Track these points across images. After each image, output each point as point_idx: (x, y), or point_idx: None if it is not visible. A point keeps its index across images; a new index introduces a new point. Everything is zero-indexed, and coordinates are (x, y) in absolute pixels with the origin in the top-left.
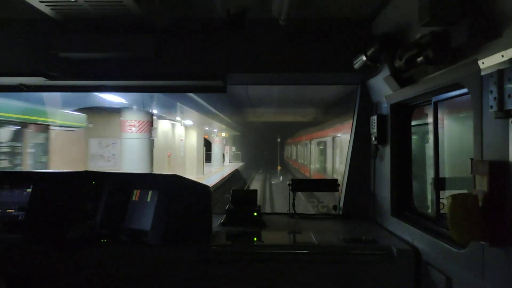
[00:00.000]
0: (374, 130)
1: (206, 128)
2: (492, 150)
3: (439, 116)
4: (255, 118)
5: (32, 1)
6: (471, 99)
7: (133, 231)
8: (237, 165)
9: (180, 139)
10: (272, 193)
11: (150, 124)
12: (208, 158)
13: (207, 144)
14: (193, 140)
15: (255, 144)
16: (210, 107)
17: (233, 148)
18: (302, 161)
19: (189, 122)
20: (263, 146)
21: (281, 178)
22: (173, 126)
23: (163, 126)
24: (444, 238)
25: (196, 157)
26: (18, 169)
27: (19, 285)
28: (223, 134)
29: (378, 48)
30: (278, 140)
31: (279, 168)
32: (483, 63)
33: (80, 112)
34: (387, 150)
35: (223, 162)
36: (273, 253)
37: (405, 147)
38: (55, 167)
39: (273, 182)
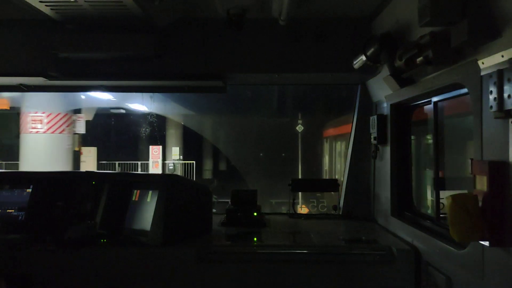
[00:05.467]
0: (374, 130)
1: None
2: (492, 150)
3: None
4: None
5: (32, 1)
6: (471, 99)
7: (133, 231)
8: None
9: None
10: None
11: None
12: None
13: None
14: None
15: (236, 140)
16: None
17: (174, 152)
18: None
19: None
20: (257, 147)
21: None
22: None
23: None
24: (444, 238)
25: None
26: None
27: (19, 285)
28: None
29: (378, 48)
30: (299, 129)
31: (302, 209)
32: (483, 63)
33: None
34: (387, 150)
35: None
36: (273, 253)
37: (405, 147)
38: None
39: None
